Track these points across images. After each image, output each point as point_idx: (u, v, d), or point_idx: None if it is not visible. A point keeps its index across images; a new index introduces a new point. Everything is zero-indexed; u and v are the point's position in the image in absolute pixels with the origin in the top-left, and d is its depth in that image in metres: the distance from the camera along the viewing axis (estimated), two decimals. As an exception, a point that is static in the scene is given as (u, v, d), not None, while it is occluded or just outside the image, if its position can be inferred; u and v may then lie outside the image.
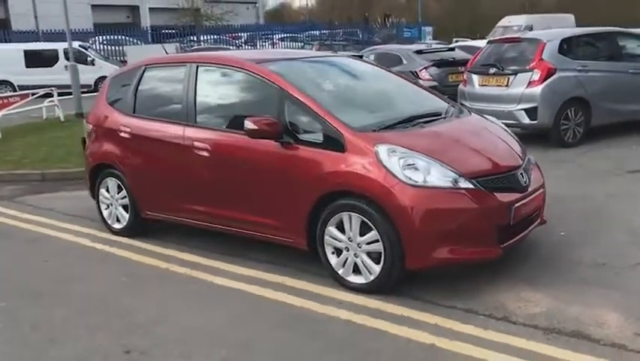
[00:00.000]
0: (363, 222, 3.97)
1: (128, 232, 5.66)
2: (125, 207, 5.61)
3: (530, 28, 21.45)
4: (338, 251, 4.17)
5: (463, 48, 14.47)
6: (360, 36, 34.95)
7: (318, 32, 36.50)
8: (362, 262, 4.03)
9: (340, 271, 4.17)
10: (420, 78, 11.13)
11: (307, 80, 4.66)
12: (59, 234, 5.96)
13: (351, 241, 4.05)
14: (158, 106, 5.35)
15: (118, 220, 5.72)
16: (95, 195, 5.94)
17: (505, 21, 26.70)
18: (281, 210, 4.40)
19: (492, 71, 8.90)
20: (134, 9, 44.70)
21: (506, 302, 3.84)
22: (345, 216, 4.04)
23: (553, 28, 12.98)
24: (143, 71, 5.49)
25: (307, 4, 63.30)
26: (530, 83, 8.36)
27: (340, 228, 4.11)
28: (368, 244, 3.97)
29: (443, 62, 11.86)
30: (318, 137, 4.18)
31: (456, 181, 3.86)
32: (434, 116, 4.60)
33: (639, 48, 9.36)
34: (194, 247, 5.23)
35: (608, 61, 8.93)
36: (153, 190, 5.28)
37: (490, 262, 4.16)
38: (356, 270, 4.11)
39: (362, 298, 4.01)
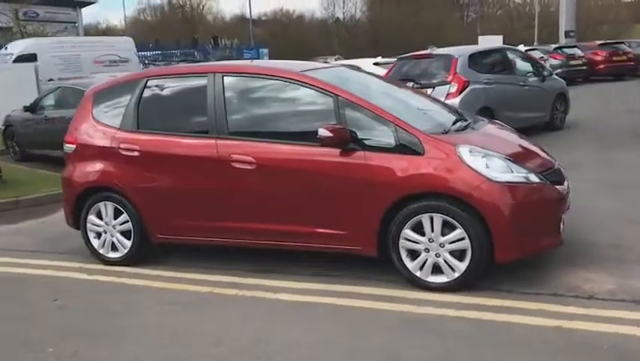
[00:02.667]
0: (444, 221, 4.10)
1: (128, 260, 5.15)
2: (125, 233, 5.09)
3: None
4: (412, 254, 4.24)
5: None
6: (197, 57, 34.52)
7: (150, 53, 35.25)
8: (445, 261, 4.15)
9: (418, 274, 4.23)
10: None
11: (355, 88, 4.67)
12: (39, 271, 5.28)
13: (431, 242, 4.15)
14: (172, 120, 4.98)
15: (114, 249, 5.18)
16: (78, 223, 5.31)
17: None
18: (348, 219, 4.34)
19: (410, 85, 9.48)
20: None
21: (579, 283, 4.18)
22: (425, 217, 4.13)
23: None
24: (145, 84, 5.06)
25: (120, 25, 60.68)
26: (448, 95, 9.07)
27: (416, 230, 4.19)
28: (451, 243, 4.10)
29: None
30: (389, 142, 4.23)
31: (527, 177, 4.16)
32: (468, 122, 4.88)
33: (524, 64, 10.63)
34: (216, 268, 4.96)
35: (504, 74, 10.02)
36: (171, 211, 4.88)
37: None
38: (434, 270, 4.21)
39: (448, 296, 4.11)
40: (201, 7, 66.92)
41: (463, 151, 4.12)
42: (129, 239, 5.10)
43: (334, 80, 4.68)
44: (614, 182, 7.00)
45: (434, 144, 4.17)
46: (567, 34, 26.19)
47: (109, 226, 5.13)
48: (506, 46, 10.89)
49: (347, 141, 4.23)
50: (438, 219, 4.10)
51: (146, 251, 5.18)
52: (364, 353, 3.47)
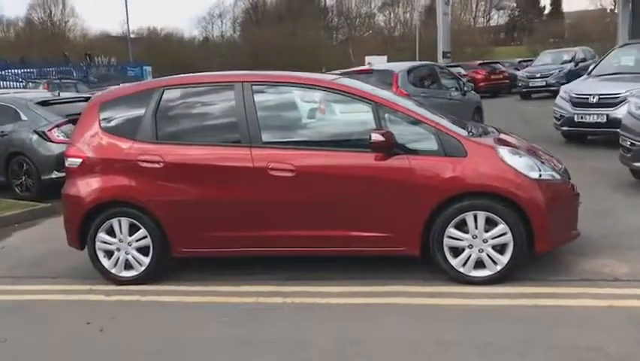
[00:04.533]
0: (487, 218, 4.38)
1: (143, 279, 4.91)
2: (142, 249, 4.86)
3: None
4: (454, 251, 4.48)
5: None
6: (75, 74, 32.71)
7: (20, 71, 32.86)
8: (488, 255, 4.43)
9: (462, 270, 4.48)
10: (51, 140, 8.57)
11: (385, 95, 4.85)
12: (49, 297, 4.89)
13: (475, 238, 4.42)
14: (196, 130, 4.87)
15: (129, 267, 4.92)
16: (82, 243, 4.98)
17: None
18: (393, 221, 4.49)
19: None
20: None
21: (598, 269, 4.63)
22: (469, 215, 4.39)
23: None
24: (162, 93, 4.88)
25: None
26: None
27: (459, 228, 4.43)
28: (494, 238, 4.39)
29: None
30: (432, 145, 4.46)
31: (553, 175, 4.58)
32: (485, 128, 5.22)
33: (448, 79, 11.39)
34: (241, 279, 4.88)
35: (434, 89, 10.67)
36: (201, 223, 4.73)
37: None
38: (476, 265, 4.47)
39: (491, 288, 4.39)
40: (64, 23, 63.72)
41: (503, 152, 4.46)
42: (146, 256, 4.87)
43: (368, 87, 4.84)
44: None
45: (475, 146, 4.47)
46: (444, 54, 28.08)
47: (123, 243, 4.87)
48: (431, 62, 11.62)
49: (394, 145, 4.40)
50: (482, 216, 4.38)
51: (161, 269, 4.96)
52: (453, 345, 3.62)
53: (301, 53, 46.98)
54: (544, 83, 20.44)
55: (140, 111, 4.88)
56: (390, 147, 4.38)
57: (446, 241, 4.46)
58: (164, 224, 4.77)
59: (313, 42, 52.91)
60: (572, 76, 20.28)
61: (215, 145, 4.76)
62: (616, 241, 5.26)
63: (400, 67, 10.33)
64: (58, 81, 25.08)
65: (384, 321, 4.01)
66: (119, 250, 4.89)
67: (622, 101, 9.65)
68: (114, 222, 4.86)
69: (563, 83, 20.17)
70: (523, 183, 4.36)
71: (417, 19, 65.27)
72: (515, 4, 71.71)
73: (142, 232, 4.82)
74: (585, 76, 11.50)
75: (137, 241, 4.85)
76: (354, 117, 4.71)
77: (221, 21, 68.40)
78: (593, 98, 10.02)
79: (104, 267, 4.94)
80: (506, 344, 3.59)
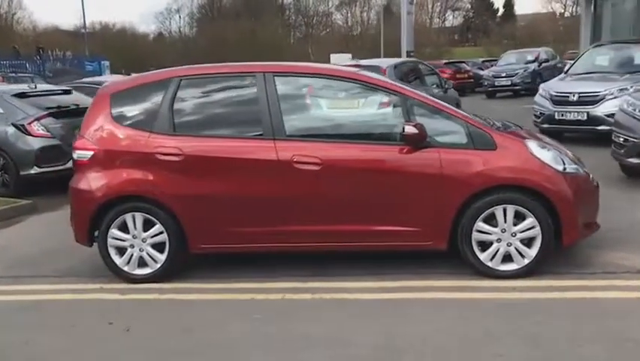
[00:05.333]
0: (515, 212, 4.37)
1: (158, 276, 4.72)
2: (157, 246, 4.67)
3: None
4: (482, 245, 4.46)
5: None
6: (29, 68, 31.61)
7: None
8: (516, 249, 4.42)
9: (490, 263, 4.45)
10: (31, 134, 8.19)
11: (409, 87, 4.80)
12: (58, 296, 4.66)
13: (503, 232, 4.40)
14: (216, 122, 4.70)
15: (143, 264, 4.72)
16: (91, 239, 4.77)
17: None
18: (422, 216, 4.43)
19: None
20: None
21: (618, 262, 4.68)
22: (498, 209, 4.37)
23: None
24: (178, 84, 4.69)
25: None
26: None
27: (487, 221, 4.41)
28: (522, 231, 4.38)
29: (63, 110, 8.63)
30: (461, 138, 4.43)
31: (577, 168, 4.61)
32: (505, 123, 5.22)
33: (431, 76, 11.46)
34: (259, 276, 4.75)
35: (418, 85, 10.68)
36: (222, 218, 4.57)
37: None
38: (503, 259, 4.46)
39: (518, 282, 4.38)
40: (11, 16, 61.43)
41: (532, 145, 4.46)
42: (162, 252, 4.68)
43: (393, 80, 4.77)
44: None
45: (504, 139, 4.45)
46: (408, 53, 28.21)
47: (137, 240, 4.66)
48: (416, 59, 11.67)
49: (425, 137, 4.34)
50: (511, 210, 4.36)
51: (177, 266, 4.78)
52: (501, 337, 3.59)
53: (260, 51, 46.64)
54: (509, 83, 20.85)
55: (156, 102, 4.68)
56: (422, 139, 4.32)
57: (475, 235, 4.42)
58: (182, 219, 4.58)
59: (272, 40, 52.59)
60: (536, 75, 20.81)
61: (238, 138, 4.61)
62: (627, 235, 5.33)
63: (387, 62, 10.33)
64: (14, 75, 24.19)
65: (422, 315, 3.95)
66: (132, 246, 4.68)
67: (601, 99, 9.93)
68: (128, 217, 4.65)
69: (527, 83, 20.76)
70: (552, 176, 4.37)
71: (375, 18, 66.05)
72: (470, 6, 73.13)
73: (158, 227, 4.63)
74: (562, 75, 11.74)
75: (152, 237, 4.65)
76: (381, 109, 4.63)
77: (180, 16, 67.42)
78: (574, 96, 10.23)
79: (115, 264, 4.72)
80: (551, 335, 3.58)
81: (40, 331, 4.03)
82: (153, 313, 4.25)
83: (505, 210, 4.36)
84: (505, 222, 4.38)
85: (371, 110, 4.75)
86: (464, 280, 4.48)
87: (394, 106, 4.53)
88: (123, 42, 50.79)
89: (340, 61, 24.40)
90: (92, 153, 4.69)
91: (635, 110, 7.09)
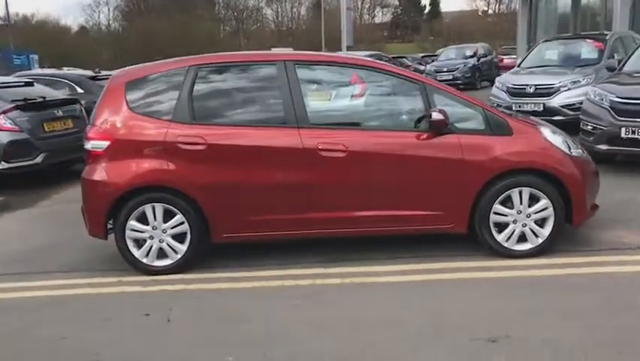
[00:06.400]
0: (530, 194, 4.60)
1: (180, 267, 4.67)
2: (177, 236, 4.61)
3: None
4: (498, 226, 4.66)
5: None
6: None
7: None
8: (530, 229, 4.65)
9: (506, 244, 4.66)
10: None
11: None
12: (78, 291, 4.53)
13: (519, 214, 4.62)
14: (237, 110, 4.67)
15: (163, 256, 4.65)
16: (105, 232, 4.67)
17: None
18: (444, 199, 4.58)
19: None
20: None
21: (618, 240, 5.01)
22: (514, 192, 4.58)
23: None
24: (196, 72, 4.63)
25: None
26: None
27: (504, 204, 4.61)
28: (537, 212, 4.62)
29: (30, 103, 8.32)
30: (479, 125, 4.61)
31: (581, 151, 4.89)
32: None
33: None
34: (283, 263, 4.79)
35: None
36: (247, 207, 4.56)
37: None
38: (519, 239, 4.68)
39: (533, 261, 4.61)
40: None
41: (545, 130, 4.70)
42: (182, 243, 4.62)
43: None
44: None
45: (519, 125, 4.67)
46: (348, 48, 28.59)
47: (157, 231, 4.58)
48: (381, 53, 11.87)
49: (448, 124, 4.49)
50: (526, 192, 4.58)
51: (196, 256, 4.73)
52: (535, 313, 3.76)
53: (193, 45, 45.85)
54: (451, 77, 21.49)
55: (174, 91, 4.61)
56: (445, 125, 4.47)
57: (492, 217, 4.62)
58: (205, 209, 4.54)
59: (205, 34, 51.84)
60: (475, 70, 21.56)
61: (261, 126, 4.60)
62: (614, 215, 5.66)
63: (357, 56, 10.43)
64: None
65: (458, 294, 4.09)
66: (152, 237, 4.59)
67: (556, 91, 10.47)
68: (147, 208, 4.56)
69: (468, 77, 21.49)
70: (564, 160, 4.62)
71: (305, 13, 66.37)
72: (398, 3, 74.63)
73: (178, 217, 4.56)
74: (516, 68, 12.26)
75: (172, 227, 4.58)
76: (404, 98, 4.74)
77: (109, 9, 65.20)
78: (530, 88, 10.72)
79: (134, 256, 4.63)
80: (584, 307, 3.80)
81: (74, 325, 3.90)
82: (188, 303, 4.18)
83: (520, 193, 4.58)
84: (521, 204, 4.60)
85: (391, 97, 4.85)
86: (482, 260, 4.67)
87: (415, 94, 4.64)
88: (44, 35, 48.49)
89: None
90: (108, 142, 4.56)
91: (602, 100, 7.55)
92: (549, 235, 4.65)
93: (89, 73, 11.26)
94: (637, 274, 4.32)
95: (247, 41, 58.47)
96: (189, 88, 4.60)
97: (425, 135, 4.53)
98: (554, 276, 4.35)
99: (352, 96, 5.00)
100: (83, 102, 9.27)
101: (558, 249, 4.79)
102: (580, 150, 4.87)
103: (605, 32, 12.78)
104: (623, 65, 8.54)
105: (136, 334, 3.74)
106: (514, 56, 26.03)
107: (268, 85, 4.67)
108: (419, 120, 4.60)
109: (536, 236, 4.66)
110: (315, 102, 4.69)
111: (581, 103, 10.19)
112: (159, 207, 4.55)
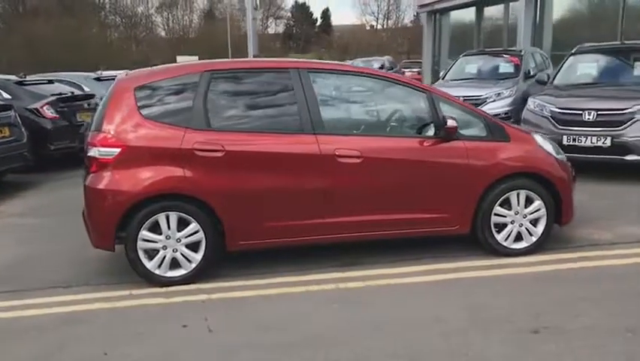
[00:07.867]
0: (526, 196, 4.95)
1: (194, 277, 4.56)
2: (191, 245, 4.50)
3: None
4: (497, 227, 4.97)
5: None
6: None
7: None
8: (526, 229, 4.99)
9: (505, 243, 4.98)
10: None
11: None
12: (93, 306, 4.31)
13: (516, 215, 4.95)
14: (252, 117, 4.64)
15: (176, 266, 4.52)
16: (112, 243, 4.47)
17: None
18: (451, 203, 4.82)
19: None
20: None
21: (591, 236, 5.47)
22: (513, 194, 4.91)
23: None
24: (210, 78, 4.55)
25: None
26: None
27: (502, 206, 4.93)
28: (531, 213, 4.97)
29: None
30: (482, 131, 4.90)
31: (564, 156, 5.32)
32: None
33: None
34: (300, 268, 4.82)
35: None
36: (265, 213, 4.54)
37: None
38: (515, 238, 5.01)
39: (529, 258, 4.96)
40: None
41: (537, 137, 5.08)
42: (196, 252, 4.51)
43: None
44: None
45: (515, 132, 5.02)
46: (255, 57, 28.70)
47: (170, 240, 4.44)
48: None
49: (457, 130, 4.74)
50: (523, 194, 4.93)
51: (210, 265, 4.64)
52: (568, 302, 4.07)
53: (83, 51, 43.78)
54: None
55: (188, 96, 4.51)
56: (456, 132, 4.71)
57: (493, 219, 4.92)
58: (222, 217, 4.47)
59: (95, 39, 49.66)
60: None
61: (278, 132, 4.60)
62: (581, 215, 6.11)
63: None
64: None
65: (477, 292, 4.32)
66: (165, 248, 4.45)
67: (483, 102, 11.16)
68: (160, 217, 4.41)
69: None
70: (554, 164, 5.02)
71: (197, 22, 65.38)
72: (291, 15, 75.49)
73: (193, 226, 4.46)
74: (440, 81, 12.92)
75: (186, 236, 4.47)
76: (412, 106, 4.94)
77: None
78: (459, 99, 11.33)
79: (146, 268, 4.46)
80: (596, 297, 4.16)
81: (110, 342, 3.70)
82: (218, 312, 4.09)
83: (518, 195, 4.92)
84: (519, 205, 4.93)
85: (403, 106, 5.03)
86: (481, 260, 4.95)
87: (423, 102, 4.85)
88: None
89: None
90: (118, 149, 4.37)
91: (542, 109, 8.20)
92: (542, 234, 5.01)
93: (14, 78, 10.51)
94: (629, 266, 4.76)
95: (137, 47, 56.63)
96: (204, 94, 4.52)
97: (435, 141, 4.75)
98: (558, 270, 4.71)
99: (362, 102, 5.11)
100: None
101: (546, 247, 5.16)
102: (563, 156, 5.30)
103: (520, 49, 13.81)
104: (553, 79, 9.30)
105: (184, 346, 3.62)
106: (416, 70, 27.37)
107: (284, 92, 4.69)
108: (424, 127, 4.83)
109: (531, 235, 5.01)
110: (330, 109, 4.76)
111: (506, 113, 11.10)
112: (174, 216, 4.43)
